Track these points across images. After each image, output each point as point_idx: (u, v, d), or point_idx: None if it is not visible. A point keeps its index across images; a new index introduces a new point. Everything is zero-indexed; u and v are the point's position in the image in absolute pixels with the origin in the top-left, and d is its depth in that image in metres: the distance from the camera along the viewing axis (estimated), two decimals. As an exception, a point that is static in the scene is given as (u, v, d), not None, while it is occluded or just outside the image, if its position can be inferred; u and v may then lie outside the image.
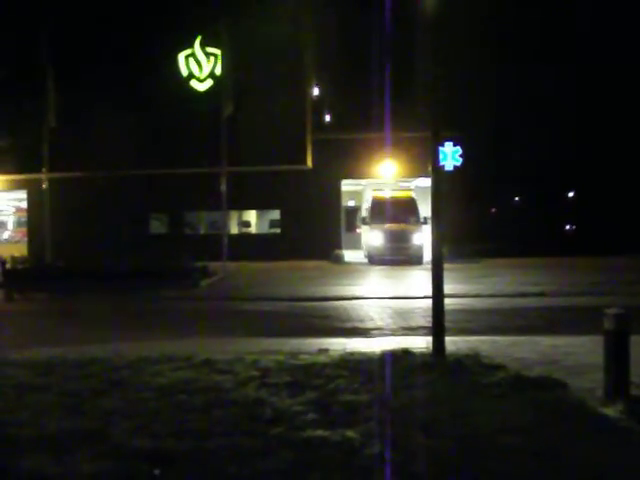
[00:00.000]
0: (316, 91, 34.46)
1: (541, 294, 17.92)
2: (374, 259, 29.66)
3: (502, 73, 36.78)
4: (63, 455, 5.49)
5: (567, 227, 44.06)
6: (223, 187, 24.59)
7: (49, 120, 25.83)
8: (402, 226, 29.82)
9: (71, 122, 28.58)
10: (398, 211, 30.12)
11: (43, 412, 6.64)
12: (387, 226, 29.75)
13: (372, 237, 30.02)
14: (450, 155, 30.24)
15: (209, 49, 30.49)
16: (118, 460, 5.36)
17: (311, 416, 6.37)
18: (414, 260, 28.92)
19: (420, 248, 28.97)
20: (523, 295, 17.85)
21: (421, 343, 9.80)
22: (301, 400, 6.88)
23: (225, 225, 26.39)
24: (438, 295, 9.08)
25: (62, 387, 7.55)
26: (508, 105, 37.45)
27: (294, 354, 9.15)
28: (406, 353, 8.97)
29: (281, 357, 8.94)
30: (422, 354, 8.93)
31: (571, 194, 46.14)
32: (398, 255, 29.32)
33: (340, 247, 32.33)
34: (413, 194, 32.06)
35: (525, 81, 36.96)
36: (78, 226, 31.33)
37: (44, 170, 26.52)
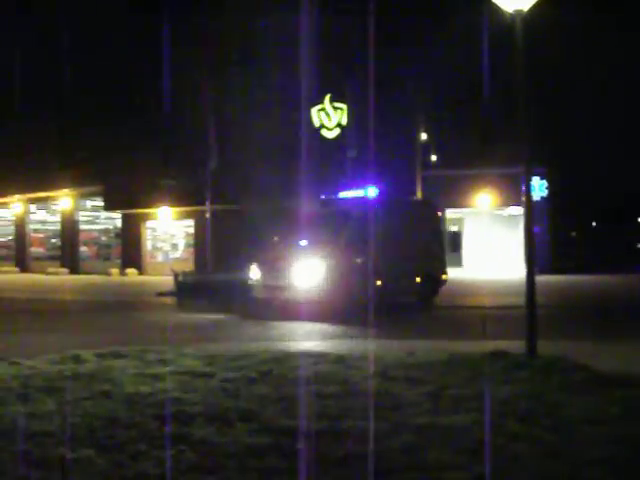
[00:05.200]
0: (425, 135, 34.36)
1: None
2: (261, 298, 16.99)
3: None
4: (225, 429, 5.65)
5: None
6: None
7: (211, 164, 26.84)
8: (289, 251, 16.47)
9: (228, 165, 29.47)
10: (329, 227, 16.51)
11: (209, 394, 6.86)
12: (271, 252, 17.67)
13: (253, 270, 17.00)
14: (537, 188, 29.63)
15: (336, 104, 30.92)
16: (269, 435, 5.47)
17: (425, 405, 6.33)
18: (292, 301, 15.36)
19: (311, 287, 15.10)
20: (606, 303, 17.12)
21: (514, 346, 9.51)
22: (416, 392, 6.84)
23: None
24: (531, 301, 8.81)
25: (223, 375, 7.76)
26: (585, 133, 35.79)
27: (410, 353, 9.08)
28: (503, 354, 8.75)
29: (401, 354, 8.94)
30: (517, 355, 8.69)
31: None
32: (273, 298, 16.29)
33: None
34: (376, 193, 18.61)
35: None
36: (233, 248, 32.16)
37: (207, 203, 27.43)
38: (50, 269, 37.37)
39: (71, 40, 33.90)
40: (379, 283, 15.62)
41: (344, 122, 29.79)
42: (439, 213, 20.43)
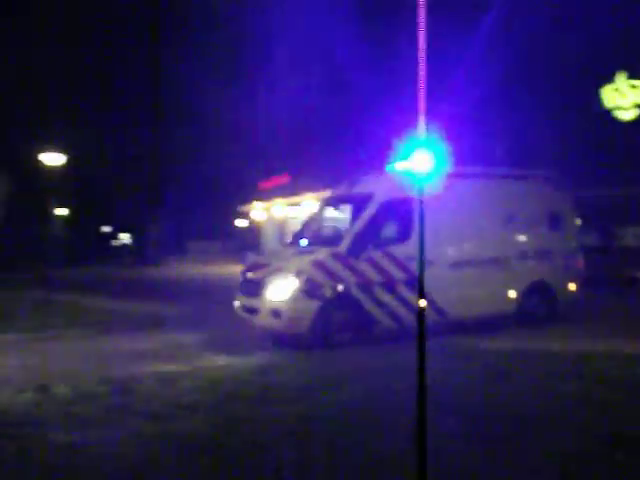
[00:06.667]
0: None
1: None
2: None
3: None
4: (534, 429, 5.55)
5: None
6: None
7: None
8: (272, 257, 12.23)
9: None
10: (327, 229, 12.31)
11: (511, 394, 6.71)
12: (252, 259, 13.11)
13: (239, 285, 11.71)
14: None
15: (634, 82, 28.78)
16: (582, 440, 5.27)
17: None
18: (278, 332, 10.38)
19: (281, 312, 9.87)
20: None
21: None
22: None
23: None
24: None
25: (527, 374, 7.58)
26: None
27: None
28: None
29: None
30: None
31: None
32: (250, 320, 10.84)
33: None
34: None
35: None
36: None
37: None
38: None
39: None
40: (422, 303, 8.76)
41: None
42: (565, 194, 13.05)
